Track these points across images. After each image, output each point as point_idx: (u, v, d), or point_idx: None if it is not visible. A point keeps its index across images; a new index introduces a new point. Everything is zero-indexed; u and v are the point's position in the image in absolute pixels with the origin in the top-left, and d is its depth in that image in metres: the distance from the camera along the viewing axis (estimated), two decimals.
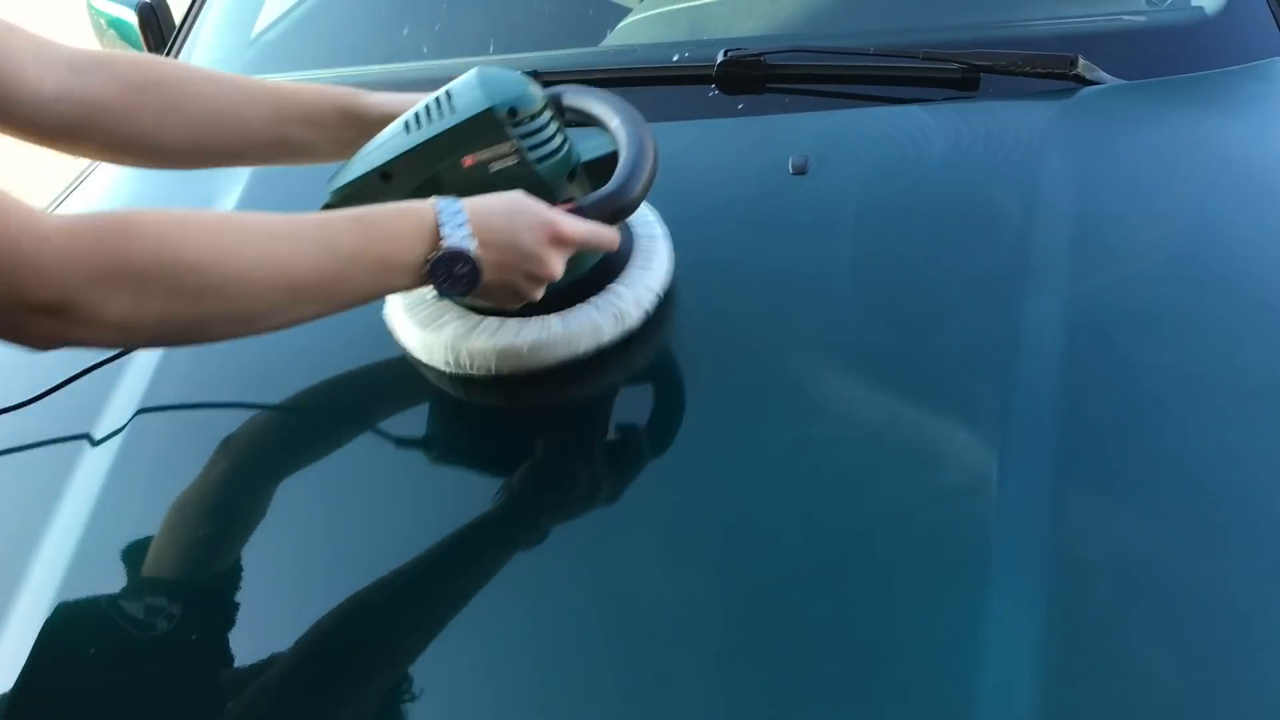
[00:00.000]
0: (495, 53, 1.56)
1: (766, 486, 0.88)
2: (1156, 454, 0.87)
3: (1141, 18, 1.41)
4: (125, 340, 0.86)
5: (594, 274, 1.00)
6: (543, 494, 0.94)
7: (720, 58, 1.33)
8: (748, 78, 1.33)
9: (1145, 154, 1.18)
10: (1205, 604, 0.76)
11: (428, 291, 0.93)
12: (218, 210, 1.03)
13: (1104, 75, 1.26)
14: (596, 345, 0.98)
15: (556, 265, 0.91)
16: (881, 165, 1.20)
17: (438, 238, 0.85)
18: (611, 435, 0.99)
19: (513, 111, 0.93)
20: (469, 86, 0.94)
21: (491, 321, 0.98)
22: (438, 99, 0.95)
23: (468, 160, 0.94)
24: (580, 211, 0.93)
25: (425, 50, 1.61)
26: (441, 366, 1.00)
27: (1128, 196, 1.12)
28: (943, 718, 0.70)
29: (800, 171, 1.18)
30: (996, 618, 0.75)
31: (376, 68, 1.51)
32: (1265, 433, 0.87)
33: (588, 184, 0.99)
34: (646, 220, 1.07)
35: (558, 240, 0.90)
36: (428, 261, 0.86)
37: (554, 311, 0.98)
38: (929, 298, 1.02)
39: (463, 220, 0.86)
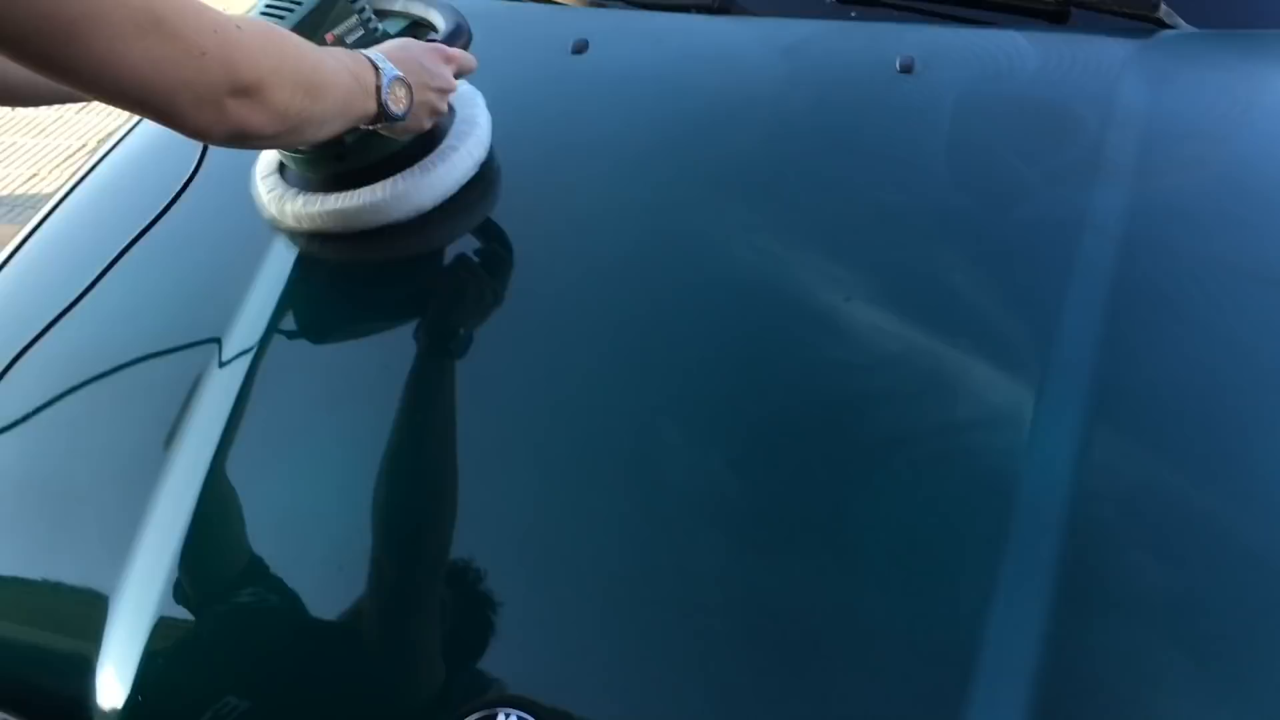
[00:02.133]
0: None
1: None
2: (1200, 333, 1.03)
3: None
4: (276, 132, 0.93)
5: (418, 144, 1.17)
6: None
7: None
8: None
9: (1212, 90, 1.34)
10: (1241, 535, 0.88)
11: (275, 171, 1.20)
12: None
13: (1181, 22, 1.42)
14: (422, 208, 1.17)
15: (451, 78, 1.13)
16: (978, 72, 1.36)
17: (376, 70, 1.02)
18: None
19: None
20: None
21: (338, 192, 1.16)
22: None
23: (329, 37, 1.12)
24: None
25: None
26: (294, 225, 1.18)
27: (1192, 123, 1.28)
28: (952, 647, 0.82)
29: (907, 69, 1.34)
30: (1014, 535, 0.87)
31: None
32: None
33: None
34: (468, 97, 1.25)
35: (446, 57, 1.12)
36: (377, 89, 1.02)
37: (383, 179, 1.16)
38: (1005, 183, 1.19)
39: (383, 55, 1.04)
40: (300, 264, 1.18)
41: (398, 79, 1.04)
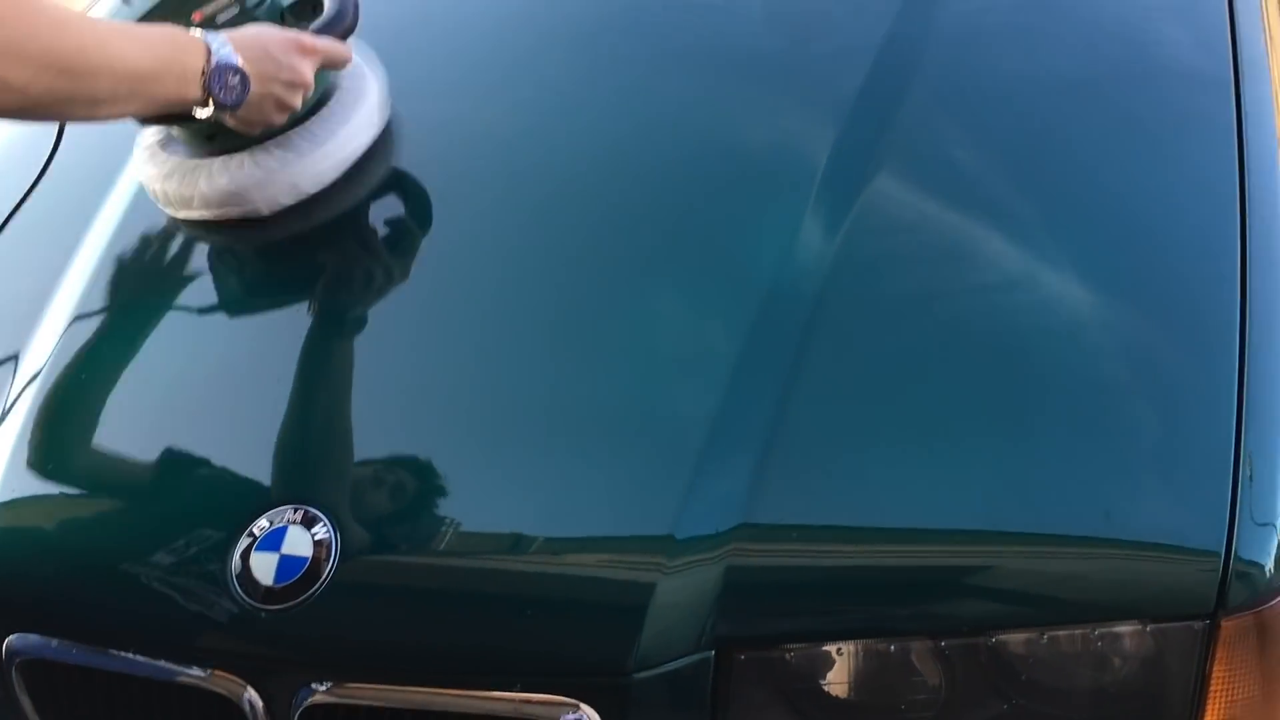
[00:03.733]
0: None
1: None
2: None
3: None
4: (19, 105, 0.88)
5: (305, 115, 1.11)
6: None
7: None
8: None
9: None
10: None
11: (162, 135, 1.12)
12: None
13: None
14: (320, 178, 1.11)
15: (308, 72, 1.04)
16: None
17: (208, 54, 0.96)
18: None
19: None
20: None
21: (214, 162, 1.10)
22: None
23: (196, 16, 1.05)
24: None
25: None
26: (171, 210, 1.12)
27: None
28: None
29: None
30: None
31: None
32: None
33: (295, 25, 1.09)
34: (356, 73, 1.17)
35: (303, 49, 1.03)
36: (203, 74, 0.96)
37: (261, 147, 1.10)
38: (817, 18, 1.25)
39: (224, 40, 0.98)
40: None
41: (231, 67, 0.98)
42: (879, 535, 0.85)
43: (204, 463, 0.96)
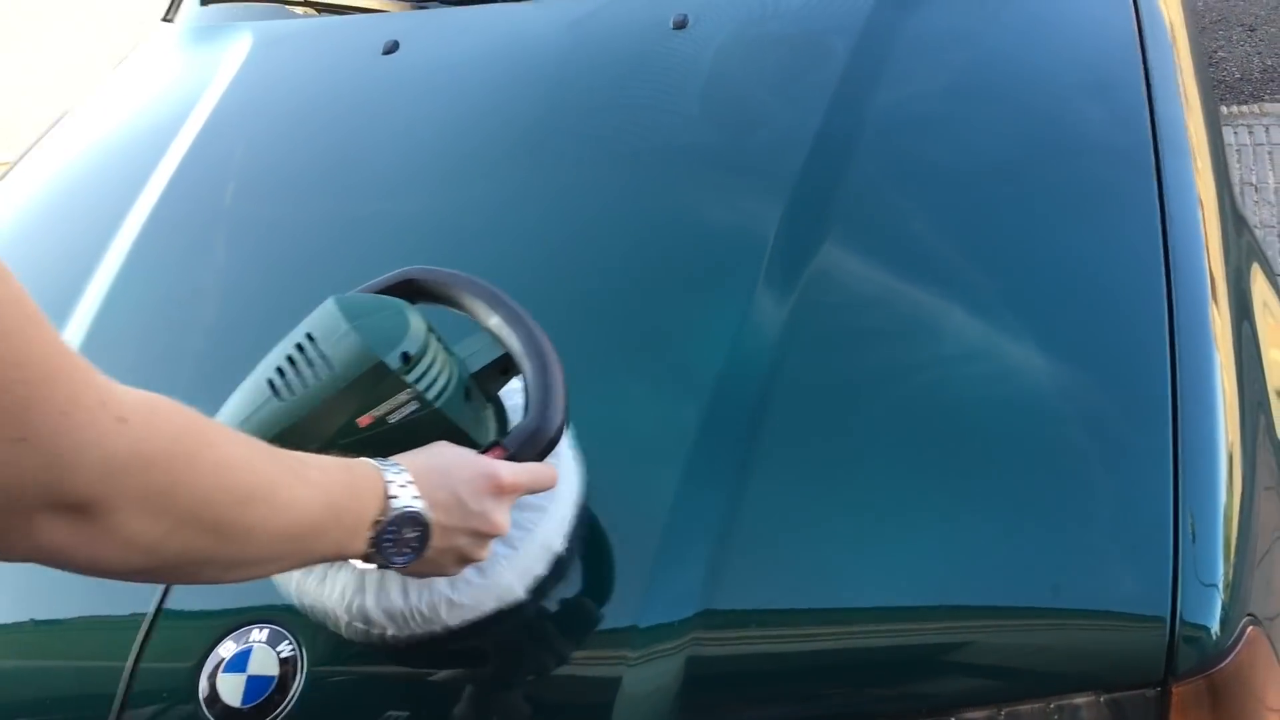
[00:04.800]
0: None
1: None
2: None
3: None
4: (132, 569, 0.63)
5: None
6: None
7: None
8: None
9: (947, 14, 1.42)
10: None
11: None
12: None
13: None
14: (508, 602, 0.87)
15: (503, 520, 0.81)
16: (746, 17, 1.46)
17: (385, 499, 0.74)
18: None
19: (405, 357, 0.80)
20: (339, 332, 0.80)
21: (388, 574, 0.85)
22: (300, 347, 0.81)
23: (364, 420, 0.80)
24: (512, 457, 0.83)
25: None
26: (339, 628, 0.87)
27: (934, 33, 1.38)
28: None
29: (680, 26, 1.45)
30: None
31: None
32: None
33: (482, 399, 0.89)
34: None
35: (499, 490, 0.80)
36: (376, 523, 0.74)
37: None
38: (756, 112, 1.30)
39: (408, 479, 0.76)
40: None
41: (412, 518, 0.75)
42: (836, 618, 0.87)
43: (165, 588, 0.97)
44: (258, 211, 1.36)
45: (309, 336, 0.81)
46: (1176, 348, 0.96)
